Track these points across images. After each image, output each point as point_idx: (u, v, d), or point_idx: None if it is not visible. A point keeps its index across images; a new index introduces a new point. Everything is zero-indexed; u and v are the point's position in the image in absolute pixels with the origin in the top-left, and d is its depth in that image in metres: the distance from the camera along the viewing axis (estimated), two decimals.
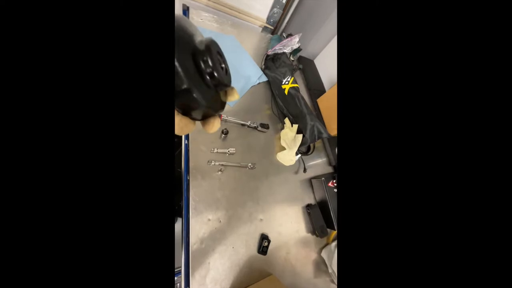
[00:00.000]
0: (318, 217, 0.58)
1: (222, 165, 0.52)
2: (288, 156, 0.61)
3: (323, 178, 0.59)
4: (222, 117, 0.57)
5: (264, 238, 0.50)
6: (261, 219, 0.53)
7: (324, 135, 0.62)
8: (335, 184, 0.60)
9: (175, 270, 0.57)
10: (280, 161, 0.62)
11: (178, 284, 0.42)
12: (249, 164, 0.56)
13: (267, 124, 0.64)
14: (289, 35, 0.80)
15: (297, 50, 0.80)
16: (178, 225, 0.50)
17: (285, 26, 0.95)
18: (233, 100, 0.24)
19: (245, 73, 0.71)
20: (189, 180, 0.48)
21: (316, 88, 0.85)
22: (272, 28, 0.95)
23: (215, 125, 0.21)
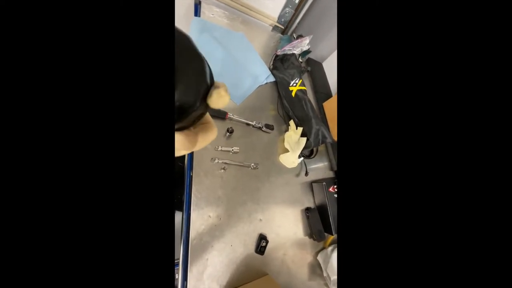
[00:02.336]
0: (316, 221, 0.58)
1: (225, 163, 0.52)
2: (291, 158, 0.61)
3: (324, 183, 0.59)
4: (228, 116, 0.57)
5: (262, 238, 0.50)
6: (260, 219, 0.53)
7: (328, 140, 0.62)
8: (336, 190, 0.60)
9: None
10: (283, 163, 0.62)
11: (176, 275, 0.43)
12: (252, 164, 0.56)
13: (272, 125, 0.64)
14: (300, 36, 0.80)
15: (307, 52, 0.80)
16: (177, 219, 0.50)
17: (296, 27, 0.94)
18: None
19: (253, 72, 0.70)
20: (192, 176, 0.48)
21: (322, 92, 0.85)
22: (283, 27, 0.94)
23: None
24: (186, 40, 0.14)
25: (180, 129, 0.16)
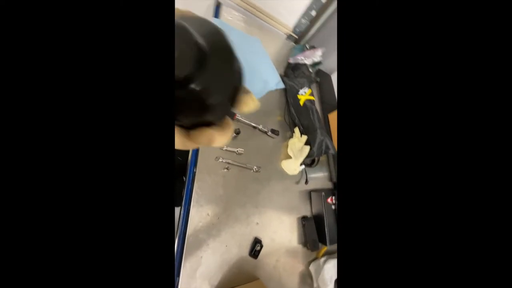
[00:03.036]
0: (312, 230, 0.58)
1: (229, 163, 0.53)
2: (293, 165, 0.61)
3: (323, 193, 0.60)
4: (236, 116, 0.58)
5: (257, 242, 0.51)
6: (257, 223, 0.53)
7: (331, 151, 0.63)
8: (334, 201, 0.61)
9: None
10: (284, 169, 0.62)
11: None
12: (255, 167, 0.56)
13: (278, 131, 0.64)
14: (312, 47, 0.81)
15: (318, 63, 0.81)
16: (176, 213, 0.50)
17: (310, 38, 0.96)
18: None
19: (264, 76, 0.72)
20: (195, 172, 0.48)
21: (329, 103, 0.86)
22: (297, 37, 0.96)
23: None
24: (226, 41, 0.15)
25: (207, 124, 0.16)
